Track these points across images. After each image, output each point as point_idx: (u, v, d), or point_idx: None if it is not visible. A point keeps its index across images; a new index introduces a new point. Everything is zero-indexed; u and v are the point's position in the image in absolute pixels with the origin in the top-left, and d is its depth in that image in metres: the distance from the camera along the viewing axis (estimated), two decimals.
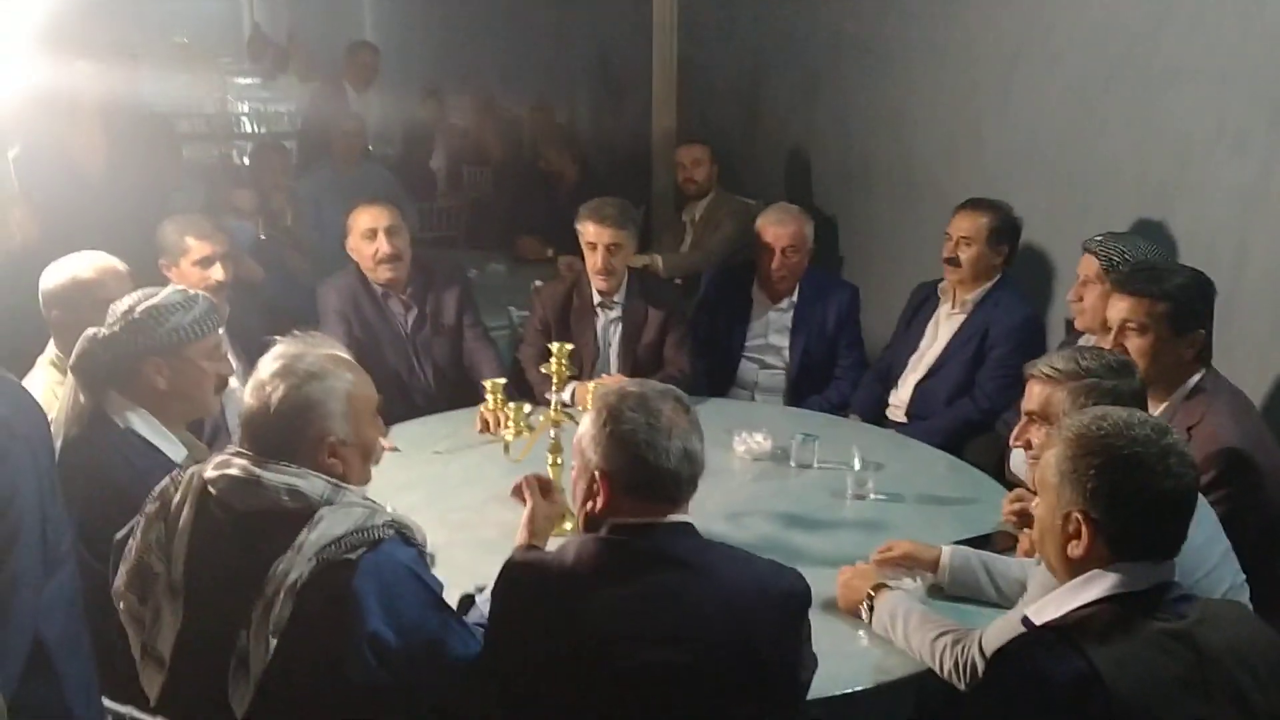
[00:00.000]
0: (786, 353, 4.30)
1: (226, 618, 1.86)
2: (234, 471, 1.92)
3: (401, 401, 3.78)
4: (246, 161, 6.62)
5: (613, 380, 3.49)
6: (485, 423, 3.42)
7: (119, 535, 2.02)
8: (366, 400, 2.08)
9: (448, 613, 2.02)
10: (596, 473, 1.96)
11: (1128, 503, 1.74)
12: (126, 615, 1.96)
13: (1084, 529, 1.77)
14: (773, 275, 4.21)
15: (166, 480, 2.05)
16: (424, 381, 3.93)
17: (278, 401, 1.95)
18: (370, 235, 3.84)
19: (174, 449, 2.46)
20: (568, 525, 2.84)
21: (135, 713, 1.84)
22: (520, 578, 1.97)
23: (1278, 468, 2.69)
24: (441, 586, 2.02)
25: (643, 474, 1.94)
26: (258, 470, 1.91)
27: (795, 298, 4.28)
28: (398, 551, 1.92)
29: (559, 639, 1.89)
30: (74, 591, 1.60)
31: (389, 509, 2.01)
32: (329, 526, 1.86)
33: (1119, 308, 2.78)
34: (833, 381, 4.29)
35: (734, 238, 5.27)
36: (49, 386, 2.89)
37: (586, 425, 1.99)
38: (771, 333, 4.31)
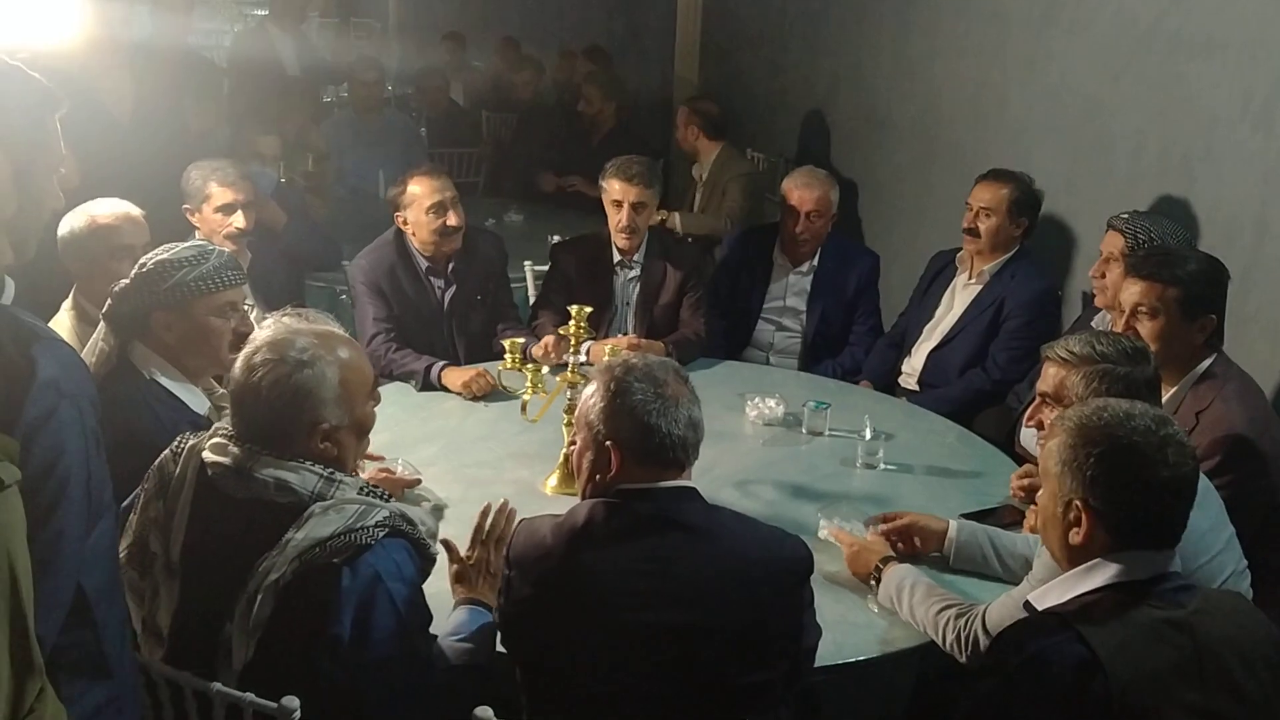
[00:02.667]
0: (804, 316, 4.32)
1: (217, 604, 1.87)
2: (227, 460, 1.92)
3: None
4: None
5: (621, 342, 3.52)
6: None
7: (124, 505, 2.03)
8: (361, 378, 2.03)
9: (414, 640, 1.97)
10: (609, 443, 1.99)
11: (1126, 491, 1.78)
12: (129, 588, 1.98)
13: (1084, 517, 1.80)
14: (796, 238, 4.22)
15: (165, 453, 2.04)
16: (457, 357, 3.80)
17: (267, 389, 1.91)
18: (438, 209, 3.67)
19: (196, 400, 2.49)
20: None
21: (159, 664, 1.89)
22: (531, 538, 2.01)
23: None
24: (420, 606, 1.99)
25: (654, 441, 1.98)
26: (249, 462, 1.91)
27: (816, 262, 4.30)
28: (381, 561, 1.88)
29: (566, 596, 1.94)
30: (112, 541, 1.65)
31: (391, 501, 1.98)
32: (316, 527, 1.84)
33: (1131, 291, 2.80)
34: (846, 348, 4.31)
35: (743, 204, 5.28)
36: (71, 331, 2.94)
37: (593, 399, 2.02)
38: (790, 295, 4.33)
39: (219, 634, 1.86)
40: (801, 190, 4.18)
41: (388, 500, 1.96)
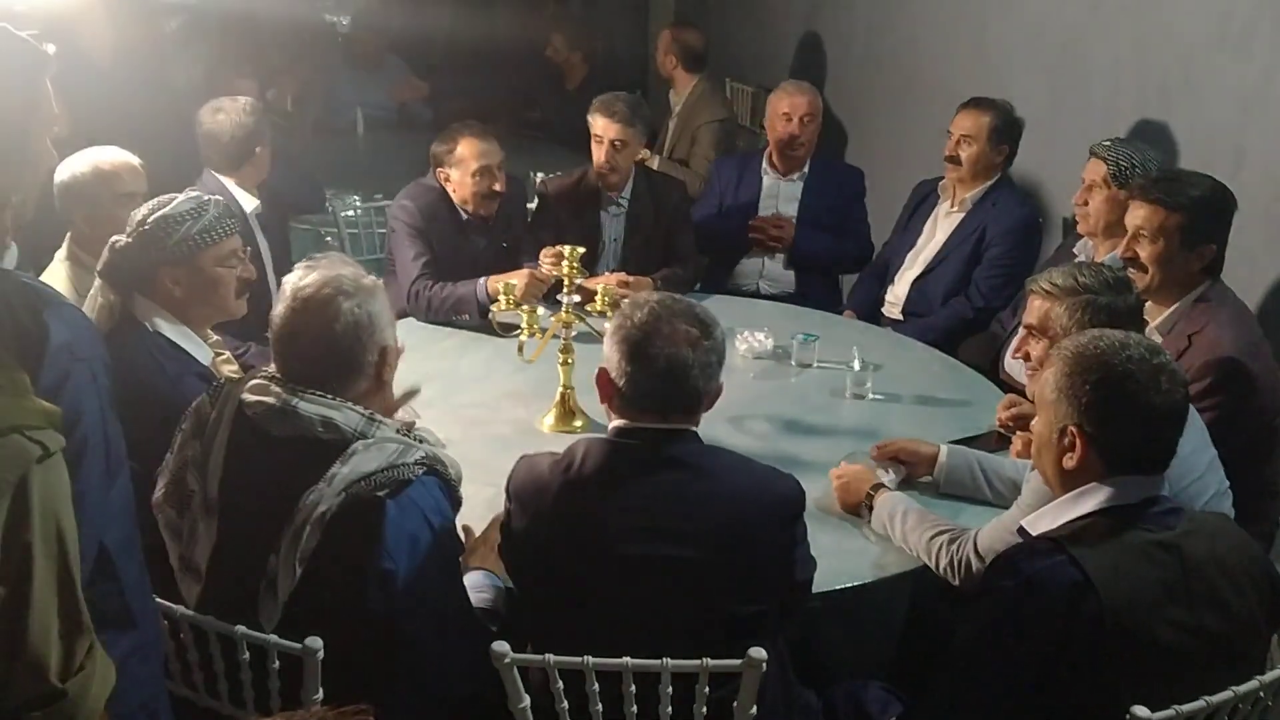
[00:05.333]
0: (796, 222, 4.39)
1: (258, 539, 1.91)
2: (270, 400, 1.96)
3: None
4: None
5: (611, 280, 3.55)
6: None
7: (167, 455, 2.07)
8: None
9: (454, 572, 2.08)
10: (628, 394, 2.03)
11: (1120, 417, 1.85)
12: (165, 527, 2.03)
13: (1078, 442, 1.87)
14: (791, 143, 4.33)
15: (203, 396, 2.09)
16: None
17: (340, 321, 1.97)
18: (485, 174, 3.66)
19: (200, 351, 2.51)
20: (578, 423, 2.95)
21: (185, 611, 1.94)
22: (530, 473, 2.06)
23: (1272, 379, 2.79)
24: (456, 542, 2.08)
25: (671, 394, 2.02)
26: (294, 400, 1.95)
27: (805, 171, 4.41)
28: (422, 496, 1.96)
29: (562, 530, 2.00)
30: (129, 496, 1.69)
31: (426, 443, 2.04)
32: (361, 462, 1.89)
33: (1136, 215, 2.86)
34: (838, 238, 4.40)
35: (712, 157, 5.25)
36: (68, 281, 2.95)
37: (612, 349, 2.05)
38: (782, 201, 4.42)
39: (261, 567, 1.91)
40: (793, 97, 4.33)
41: (421, 443, 2.02)
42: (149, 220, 2.47)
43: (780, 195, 4.43)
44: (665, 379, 1.99)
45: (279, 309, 2.03)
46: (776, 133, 4.36)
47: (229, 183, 3.60)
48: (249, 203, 3.62)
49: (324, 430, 1.93)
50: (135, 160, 3.09)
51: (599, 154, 3.89)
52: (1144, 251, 2.83)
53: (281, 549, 1.88)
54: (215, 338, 2.68)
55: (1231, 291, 2.94)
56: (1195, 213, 2.80)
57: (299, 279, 2.03)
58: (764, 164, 4.45)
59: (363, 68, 6.39)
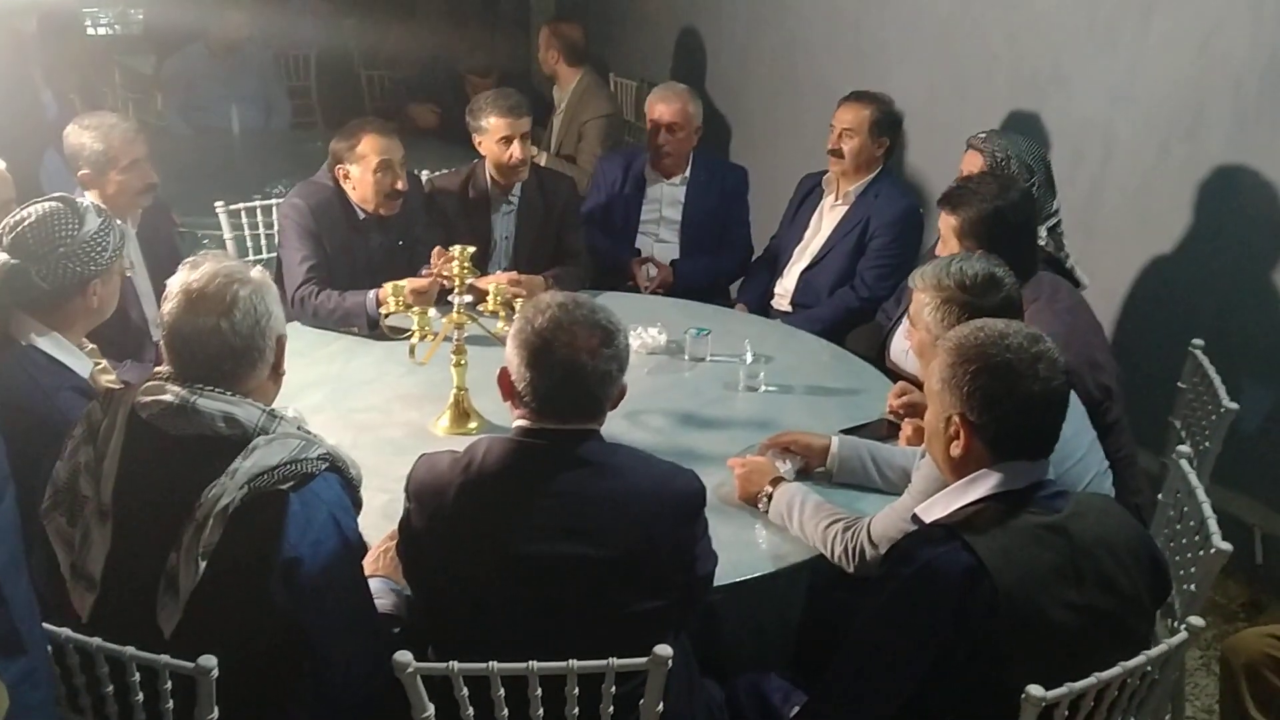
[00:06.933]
0: (679, 227, 4.41)
1: (156, 539, 1.88)
2: (167, 398, 1.92)
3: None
4: None
5: (502, 278, 3.52)
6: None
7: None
8: None
9: (358, 569, 2.06)
10: (527, 399, 2.01)
11: (1000, 405, 1.90)
12: (55, 536, 1.97)
13: (962, 431, 1.92)
14: (658, 151, 4.32)
15: (94, 404, 2.03)
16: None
17: (241, 310, 1.95)
18: (387, 170, 3.56)
19: (79, 363, 2.43)
20: (473, 425, 2.92)
21: (70, 633, 1.87)
22: (430, 472, 2.04)
23: (1090, 363, 2.87)
24: (360, 539, 2.05)
25: (571, 400, 2.01)
26: (192, 397, 1.92)
27: (688, 173, 4.40)
28: (326, 490, 1.94)
29: (460, 528, 1.97)
30: (14, 517, 1.62)
31: (321, 438, 2.03)
32: (263, 456, 1.88)
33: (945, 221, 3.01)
34: (719, 251, 4.42)
35: (599, 152, 5.25)
36: None
37: (512, 352, 2.03)
38: (666, 205, 4.43)
39: (159, 571, 1.87)
40: (660, 104, 4.29)
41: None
42: (81, 237, 2.37)
43: (663, 199, 4.43)
44: (563, 386, 1.99)
45: (168, 307, 1.98)
46: (649, 135, 4.37)
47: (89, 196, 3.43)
48: None
49: (225, 426, 1.91)
50: (2, 165, 2.96)
51: (508, 152, 3.84)
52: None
53: (183, 545, 1.84)
54: (91, 346, 2.59)
55: (1051, 285, 3.01)
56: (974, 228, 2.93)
57: (186, 277, 1.99)
58: (647, 165, 4.44)
59: (221, 59, 6.14)
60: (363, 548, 2.07)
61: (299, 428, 2.02)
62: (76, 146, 3.33)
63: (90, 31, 7.95)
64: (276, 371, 2.09)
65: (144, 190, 3.43)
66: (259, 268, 2.08)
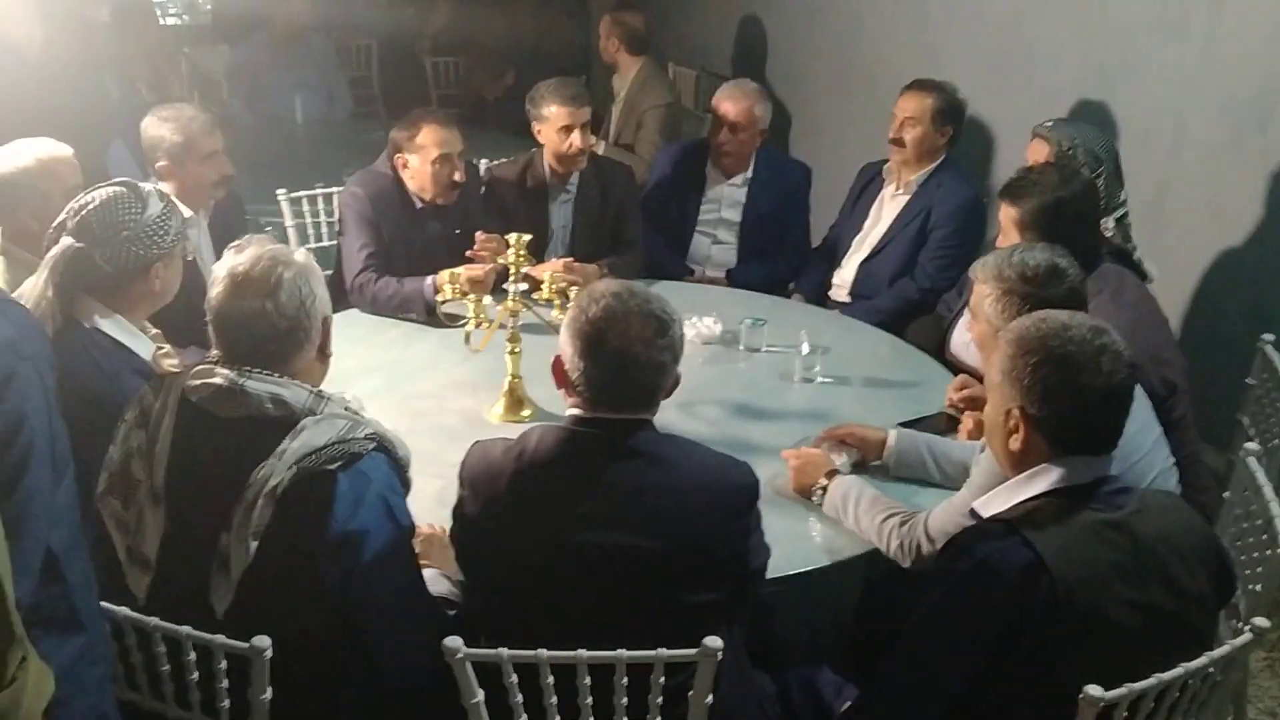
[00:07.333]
0: (739, 228, 4.34)
1: (208, 521, 1.89)
2: (217, 381, 1.94)
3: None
4: None
5: (557, 266, 3.51)
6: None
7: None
8: None
9: (407, 548, 2.06)
10: (580, 388, 2.00)
11: (1061, 398, 1.85)
12: (111, 519, 2.00)
13: (1021, 424, 1.88)
14: (718, 150, 4.24)
15: (145, 387, 2.06)
16: None
17: (286, 292, 1.97)
18: (445, 162, 3.57)
19: (142, 345, 2.46)
20: (526, 412, 2.93)
21: (128, 612, 1.90)
22: (483, 459, 2.04)
23: (1156, 358, 2.81)
24: (410, 520, 2.06)
25: (624, 390, 2.00)
26: (241, 380, 1.94)
27: (750, 174, 4.31)
28: (374, 470, 1.95)
29: (513, 515, 1.97)
30: (74, 497, 1.65)
31: (371, 419, 2.04)
32: (311, 436, 1.89)
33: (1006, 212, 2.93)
34: (776, 257, 4.34)
35: (658, 142, 5.22)
36: (2, 277, 2.85)
37: (566, 341, 2.01)
38: (725, 207, 4.34)
39: (212, 550, 1.89)
40: (726, 101, 4.19)
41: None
42: (145, 220, 2.40)
43: (723, 200, 4.34)
44: (617, 376, 1.97)
45: (215, 292, 2.00)
46: (712, 132, 4.27)
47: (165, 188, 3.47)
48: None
49: (273, 407, 1.93)
50: (68, 152, 3.00)
51: (569, 142, 3.82)
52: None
53: (233, 526, 1.86)
54: (155, 331, 2.63)
55: (1117, 279, 2.95)
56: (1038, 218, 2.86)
57: (231, 262, 2.01)
58: (708, 163, 4.34)
59: (284, 48, 6.17)
60: (412, 529, 2.08)
61: (345, 408, 2.03)
62: (155, 138, 3.37)
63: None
64: (323, 353, 2.10)
65: (219, 182, 3.47)
66: (303, 250, 2.10)
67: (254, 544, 1.86)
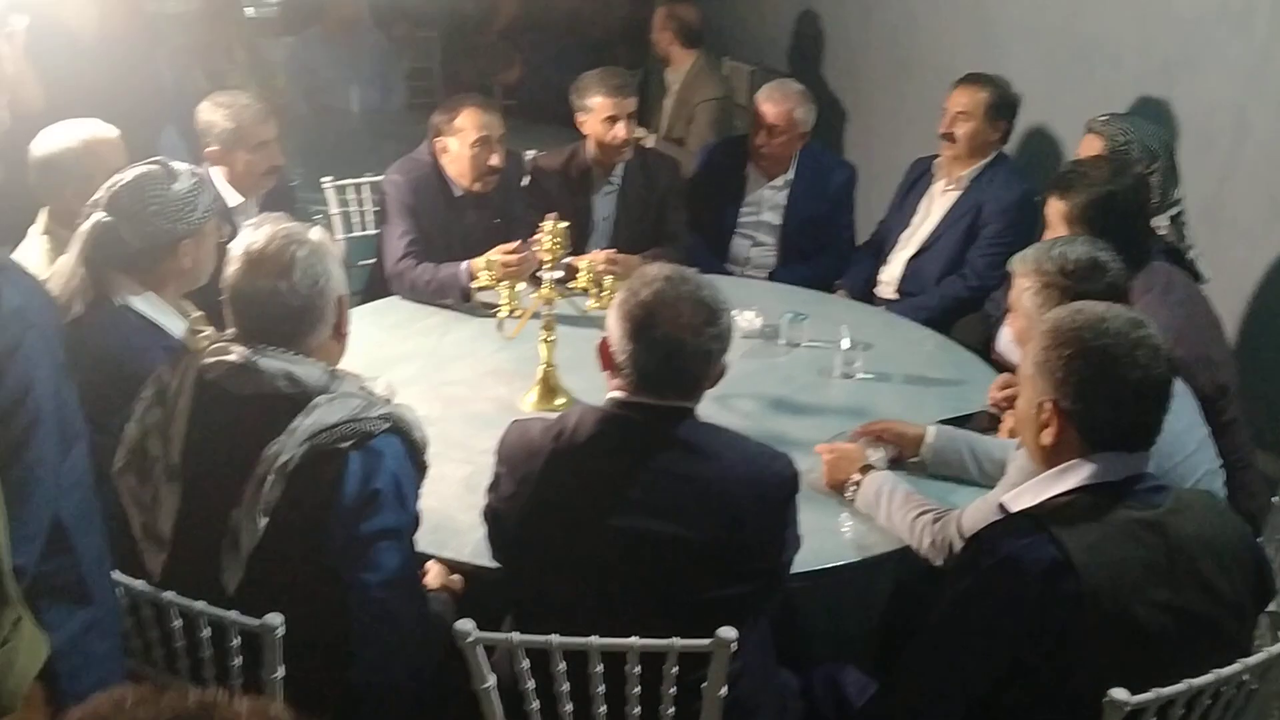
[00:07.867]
0: (779, 230, 4.24)
1: (222, 498, 1.90)
2: (232, 358, 1.94)
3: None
4: None
5: (599, 256, 3.49)
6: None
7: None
8: None
9: (405, 538, 2.03)
10: (626, 371, 1.98)
11: (1094, 392, 1.79)
12: (127, 496, 2.01)
13: (1054, 418, 1.82)
14: (756, 151, 4.14)
15: (163, 366, 2.06)
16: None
17: (300, 270, 1.97)
18: (484, 145, 3.55)
19: (174, 324, 2.47)
20: (560, 401, 2.90)
21: (144, 587, 1.90)
22: (521, 437, 2.02)
23: (1206, 359, 2.72)
24: (416, 508, 2.04)
25: (669, 376, 1.97)
26: (255, 357, 1.94)
27: (792, 175, 4.21)
28: (386, 450, 1.94)
29: (548, 495, 1.95)
30: (86, 469, 1.65)
31: (389, 399, 2.03)
32: (323, 414, 1.89)
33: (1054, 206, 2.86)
34: (819, 257, 4.26)
35: (709, 135, 5.16)
36: (46, 256, 2.89)
37: (614, 322, 1.99)
38: (765, 210, 4.25)
39: (225, 527, 1.89)
40: (766, 102, 4.06)
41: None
42: (170, 196, 2.42)
43: (763, 203, 4.24)
44: (663, 362, 1.94)
45: (231, 270, 2.00)
46: (752, 132, 4.15)
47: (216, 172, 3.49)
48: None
49: (287, 385, 1.92)
50: (114, 133, 3.03)
51: (613, 132, 3.79)
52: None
53: (244, 502, 1.86)
54: (196, 312, 2.64)
55: (1165, 277, 2.85)
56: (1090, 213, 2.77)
57: (247, 240, 2.01)
58: (749, 163, 4.23)
59: (339, 40, 6.17)
60: (417, 518, 2.05)
61: (360, 388, 2.01)
62: (207, 124, 3.39)
63: None
64: (339, 332, 2.09)
65: (269, 171, 3.48)
66: (319, 229, 2.09)
67: (263, 520, 1.86)
